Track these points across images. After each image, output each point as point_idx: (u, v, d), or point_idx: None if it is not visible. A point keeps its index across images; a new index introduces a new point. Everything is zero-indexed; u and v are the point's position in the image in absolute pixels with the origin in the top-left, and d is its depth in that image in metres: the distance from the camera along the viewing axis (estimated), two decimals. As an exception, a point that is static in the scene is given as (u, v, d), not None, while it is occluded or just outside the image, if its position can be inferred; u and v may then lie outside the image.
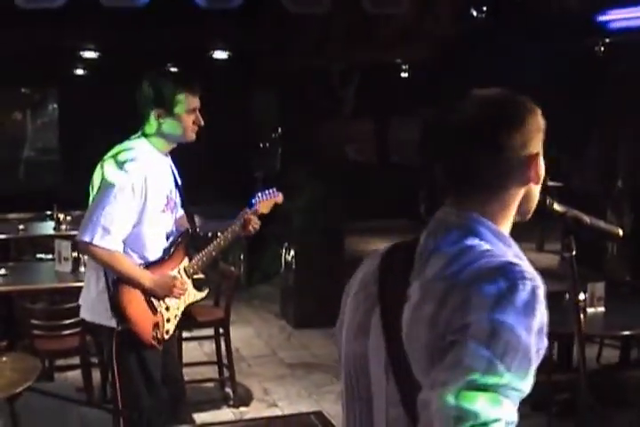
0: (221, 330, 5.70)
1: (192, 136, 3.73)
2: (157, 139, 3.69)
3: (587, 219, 1.84)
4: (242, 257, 8.95)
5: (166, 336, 3.79)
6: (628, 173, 7.94)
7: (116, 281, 3.61)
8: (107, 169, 3.55)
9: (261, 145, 10.79)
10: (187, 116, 3.65)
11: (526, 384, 1.36)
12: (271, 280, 8.90)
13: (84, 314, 3.82)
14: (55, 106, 11.59)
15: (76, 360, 5.48)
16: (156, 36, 8.12)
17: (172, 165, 3.88)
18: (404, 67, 11.72)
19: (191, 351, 6.24)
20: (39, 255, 7.31)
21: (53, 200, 7.66)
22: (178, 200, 3.89)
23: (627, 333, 5.06)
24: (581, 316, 4.74)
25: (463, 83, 7.22)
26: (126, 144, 3.67)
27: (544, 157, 1.59)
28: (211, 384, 5.95)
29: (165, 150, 3.76)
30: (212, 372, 5.93)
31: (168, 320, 3.80)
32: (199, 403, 5.47)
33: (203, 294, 4.03)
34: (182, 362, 5.27)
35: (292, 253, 7.72)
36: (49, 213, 7.99)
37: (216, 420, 5.12)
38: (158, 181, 3.67)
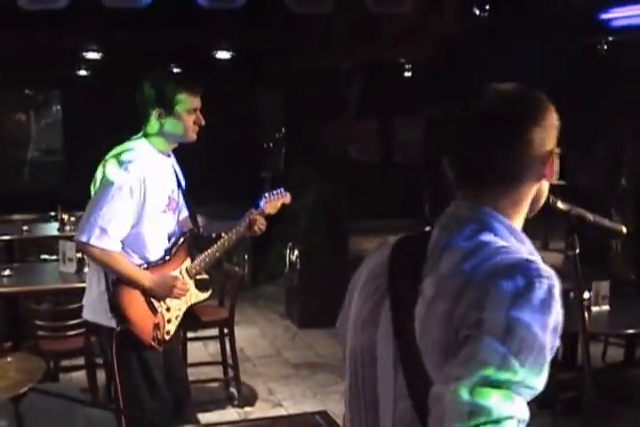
0: (226, 330, 5.70)
1: (193, 136, 3.72)
2: (158, 139, 3.69)
3: (590, 217, 1.83)
4: (246, 257, 8.96)
5: (167, 337, 3.78)
6: (633, 172, 7.93)
7: (116, 281, 3.61)
8: (108, 167, 3.56)
9: (265, 145, 10.79)
10: (187, 116, 3.65)
11: (540, 382, 1.35)
12: (276, 280, 8.90)
13: (86, 314, 3.82)
14: (59, 107, 11.60)
15: (80, 361, 5.49)
16: (160, 37, 8.12)
17: (175, 166, 3.88)
18: (407, 66, 11.70)
19: (196, 351, 6.24)
20: (43, 256, 7.31)
21: (57, 201, 7.67)
22: (181, 201, 3.89)
23: (631, 331, 5.06)
24: (586, 314, 4.73)
25: (467, 82, 7.24)
26: (126, 145, 3.67)
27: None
28: (215, 384, 5.96)
29: (166, 150, 3.76)
30: (216, 372, 5.93)
31: (169, 321, 3.79)
32: (204, 403, 5.47)
33: (206, 295, 4.03)
34: (187, 362, 5.29)
35: (297, 252, 7.72)
36: (53, 213, 8.01)
37: (221, 420, 5.12)
38: (158, 182, 3.66)
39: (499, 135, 1.51)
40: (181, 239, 3.85)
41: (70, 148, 10.97)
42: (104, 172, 3.56)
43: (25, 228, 7.60)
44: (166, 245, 3.80)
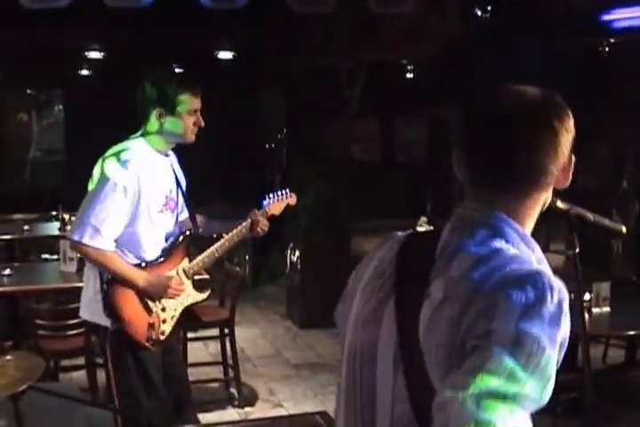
0: (226, 330, 5.70)
1: (191, 137, 3.72)
2: (157, 138, 3.68)
3: (590, 216, 1.82)
4: (247, 257, 8.95)
5: (162, 337, 3.77)
6: (634, 173, 7.93)
7: (111, 281, 3.61)
8: (107, 164, 3.55)
9: (267, 145, 10.79)
10: (188, 116, 3.64)
11: (545, 396, 1.34)
12: (277, 280, 8.89)
13: (83, 313, 3.82)
14: (60, 107, 11.59)
15: (80, 360, 5.49)
16: (161, 37, 8.12)
17: (175, 165, 3.87)
18: (408, 66, 11.69)
19: (196, 352, 6.24)
20: (44, 256, 7.32)
21: (58, 201, 7.67)
22: (180, 200, 3.88)
23: (632, 333, 5.06)
24: (587, 316, 4.73)
25: (469, 82, 7.24)
26: (124, 144, 3.66)
27: None
28: (216, 385, 5.96)
29: (164, 150, 3.75)
30: (217, 372, 5.93)
31: (164, 321, 3.77)
32: (204, 403, 5.47)
33: (204, 296, 4.00)
34: (187, 362, 5.29)
35: (298, 253, 7.72)
36: (54, 213, 8.01)
37: (221, 420, 5.12)
38: (154, 181, 3.65)
39: (523, 137, 1.47)
40: (179, 239, 3.84)
41: (72, 147, 10.97)
42: (102, 169, 3.55)
43: (26, 227, 7.61)
44: (163, 244, 3.79)
